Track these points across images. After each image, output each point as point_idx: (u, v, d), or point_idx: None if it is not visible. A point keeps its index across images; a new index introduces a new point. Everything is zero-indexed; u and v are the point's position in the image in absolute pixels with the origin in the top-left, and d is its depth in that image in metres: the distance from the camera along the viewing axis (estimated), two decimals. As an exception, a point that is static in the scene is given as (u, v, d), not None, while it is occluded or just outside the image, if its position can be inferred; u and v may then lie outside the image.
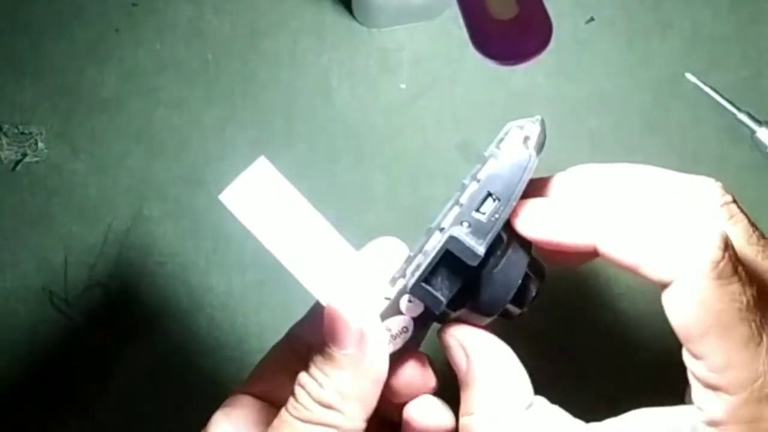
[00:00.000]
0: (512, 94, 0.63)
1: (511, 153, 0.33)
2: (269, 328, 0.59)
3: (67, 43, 0.63)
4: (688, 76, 0.63)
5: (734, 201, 0.32)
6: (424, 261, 0.33)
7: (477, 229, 0.32)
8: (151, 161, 0.61)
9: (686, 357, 0.30)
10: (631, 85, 0.64)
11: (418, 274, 0.33)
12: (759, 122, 0.61)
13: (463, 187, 0.34)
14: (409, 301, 0.34)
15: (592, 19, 0.65)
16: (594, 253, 0.32)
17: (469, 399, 0.34)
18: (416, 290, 0.33)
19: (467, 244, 0.31)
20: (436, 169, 0.61)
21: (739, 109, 0.62)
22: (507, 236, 0.34)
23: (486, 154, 0.34)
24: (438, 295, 0.32)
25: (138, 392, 0.57)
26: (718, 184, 0.33)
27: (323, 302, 0.34)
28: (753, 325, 0.28)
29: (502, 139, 0.35)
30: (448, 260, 0.32)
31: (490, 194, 0.32)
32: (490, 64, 0.41)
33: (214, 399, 0.56)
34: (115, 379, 0.58)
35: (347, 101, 0.63)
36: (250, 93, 0.63)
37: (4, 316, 0.58)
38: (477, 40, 0.36)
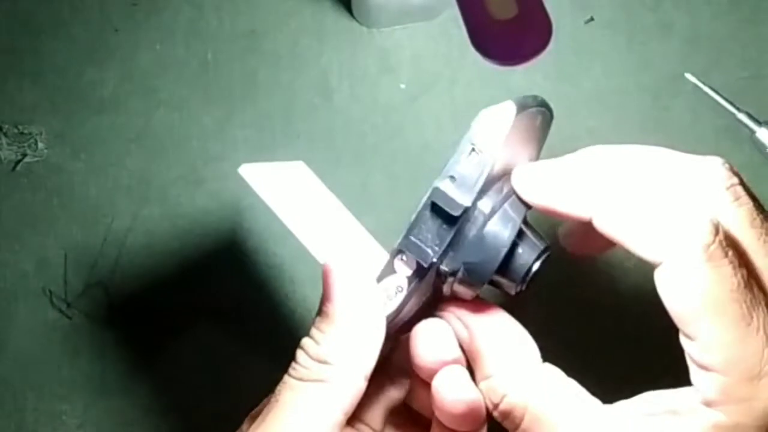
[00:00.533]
0: (512, 94, 0.63)
1: (492, 108, 0.33)
2: (269, 328, 0.59)
3: (67, 43, 0.63)
4: (688, 76, 0.63)
5: (741, 182, 0.33)
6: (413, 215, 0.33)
7: (462, 182, 0.32)
8: (151, 161, 0.61)
9: (682, 338, 0.30)
10: (631, 85, 0.64)
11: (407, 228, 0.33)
12: (759, 122, 0.61)
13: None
14: (401, 259, 0.34)
15: (591, 19, 0.65)
16: (604, 240, 0.33)
17: (482, 366, 0.34)
18: (405, 244, 0.33)
19: (450, 195, 0.32)
20: (436, 169, 0.61)
21: (738, 109, 0.62)
22: (502, 201, 0.34)
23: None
24: (425, 248, 0.33)
25: (138, 392, 0.57)
26: (726, 165, 0.33)
27: (320, 261, 0.35)
28: (744, 305, 0.29)
29: None
30: (437, 213, 0.33)
31: (473, 148, 0.33)
32: (489, 65, 0.41)
33: (214, 398, 0.56)
34: (114, 379, 0.58)
35: (347, 101, 0.63)
36: (250, 93, 0.63)
37: (4, 316, 0.58)
38: (477, 41, 0.36)
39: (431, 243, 0.33)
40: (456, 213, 0.32)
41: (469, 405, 0.34)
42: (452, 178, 0.33)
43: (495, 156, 0.32)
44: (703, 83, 0.63)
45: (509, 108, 0.33)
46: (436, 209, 0.33)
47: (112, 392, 0.57)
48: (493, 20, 0.36)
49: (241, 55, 0.63)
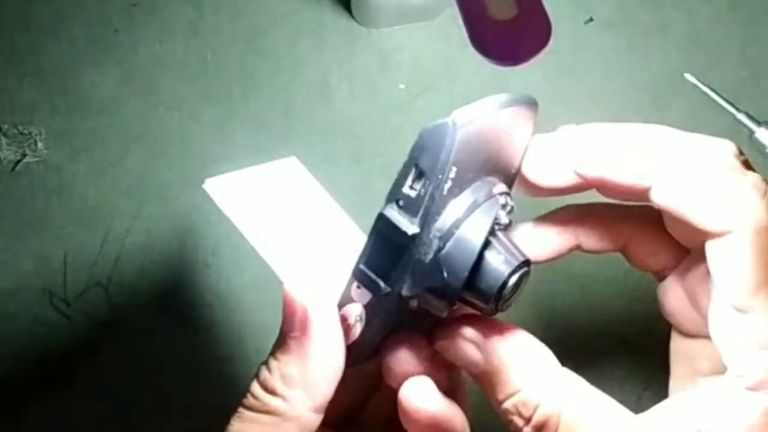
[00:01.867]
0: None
1: (434, 124, 0.31)
2: (269, 328, 0.59)
3: (67, 43, 0.63)
4: (687, 76, 0.63)
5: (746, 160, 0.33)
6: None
7: (408, 207, 0.30)
8: (151, 161, 0.61)
9: (723, 320, 0.30)
10: (630, 85, 0.64)
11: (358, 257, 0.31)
12: (758, 122, 0.61)
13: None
14: (357, 287, 0.32)
15: (591, 19, 0.65)
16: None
17: (507, 382, 0.32)
18: (356, 273, 0.31)
19: (395, 222, 0.30)
20: (436, 169, 0.61)
21: (738, 109, 0.62)
22: (469, 211, 0.31)
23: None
24: (376, 278, 0.31)
25: (138, 392, 0.57)
26: (733, 144, 0.33)
27: (283, 283, 0.33)
28: None
29: None
30: (386, 240, 0.30)
31: (419, 168, 0.31)
32: (489, 65, 0.41)
33: (214, 398, 0.56)
34: (115, 378, 0.58)
35: (346, 101, 0.63)
36: (250, 93, 0.63)
37: (4, 316, 0.58)
38: (476, 41, 0.36)
39: (382, 272, 0.31)
40: (403, 241, 0.30)
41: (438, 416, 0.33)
42: (398, 202, 0.30)
43: (442, 178, 0.30)
44: (703, 83, 0.63)
45: (451, 125, 0.31)
46: (384, 235, 0.30)
47: (112, 391, 0.57)
48: (493, 20, 0.35)
49: (240, 55, 0.64)
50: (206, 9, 0.64)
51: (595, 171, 0.32)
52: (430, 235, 0.31)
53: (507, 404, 0.32)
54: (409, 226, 0.30)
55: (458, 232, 0.31)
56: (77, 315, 0.58)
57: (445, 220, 0.31)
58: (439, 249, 0.31)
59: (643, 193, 0.31)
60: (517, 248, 0.32)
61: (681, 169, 0.31)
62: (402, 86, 0.63)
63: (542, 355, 0.33)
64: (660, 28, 0.65)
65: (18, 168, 0.61)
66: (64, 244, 0.60)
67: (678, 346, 0.35)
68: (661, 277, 0.36)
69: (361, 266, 0.31)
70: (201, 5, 0.64)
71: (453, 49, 0.64)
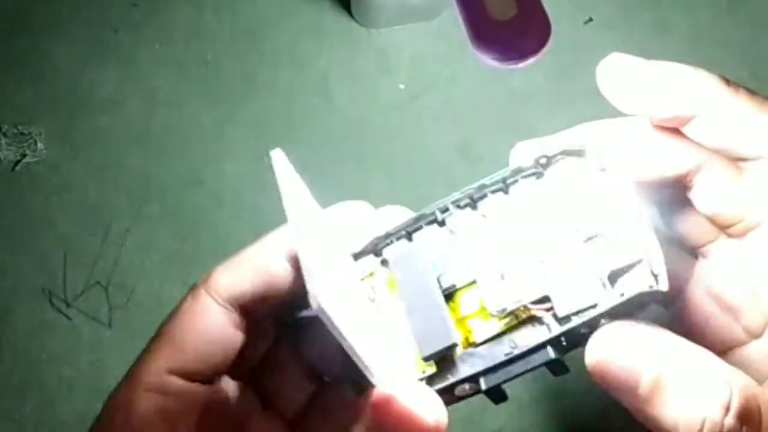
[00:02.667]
0: (511, 95, 0.63)
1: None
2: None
3: (67, 43, 0.63)
4: (687, 76, 0.64)
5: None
6: (507, 371, 0.29)
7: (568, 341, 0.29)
8: (151, 161, 0.61)
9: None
10: (630, 85, 0.64)
11: (498, 378, 0.29)
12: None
13: (482, 189, 0.31)
14: (469, 388, 0.30)
15: (590, 19, 0.65)
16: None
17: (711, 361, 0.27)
18: (491, 387, 0.29)
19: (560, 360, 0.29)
20: (436, 169, 0.62)
21: (737, 109, 0.62)
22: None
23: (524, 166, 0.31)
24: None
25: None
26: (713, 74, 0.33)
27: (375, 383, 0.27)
28: None
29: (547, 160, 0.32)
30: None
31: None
32: (488, 65, 0.41)
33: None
34: (115, 379, 0.58)
35: (346, 101, 0.63)
36: (250, 93, 0.63)
37: (3, 316, 0.58)
38: (476, 41, 0.36)
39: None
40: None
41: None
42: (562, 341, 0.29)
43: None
44: (703, 83, 0.63)
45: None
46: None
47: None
48: (493, 20, 0.35)
49: (240, 55, 0.64)
50: (206, 9, 0.64)
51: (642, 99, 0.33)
52: None
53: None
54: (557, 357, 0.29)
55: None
56: (77, 315, 0.58)
57: None
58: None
59: (686, 122, 0.31)
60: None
61: (725, 98, 0.31)
62: (402, 86, 0.63)
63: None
64: (660, 28, 0.65)
65: (18, 168, 0.61)
66: (63, 244, 0.60)
67: None
68: (668, 301, 0.33)
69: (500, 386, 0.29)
70: (201, 5, 0.64)
71: (453, 49, 0.64)
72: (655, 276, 0.28)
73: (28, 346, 0.58)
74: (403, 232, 0.32)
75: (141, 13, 0.64)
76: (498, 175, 0.31)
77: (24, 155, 0.61)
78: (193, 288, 0.32)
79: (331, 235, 0.32)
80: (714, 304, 0.32)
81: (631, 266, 0.29)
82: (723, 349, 0.31)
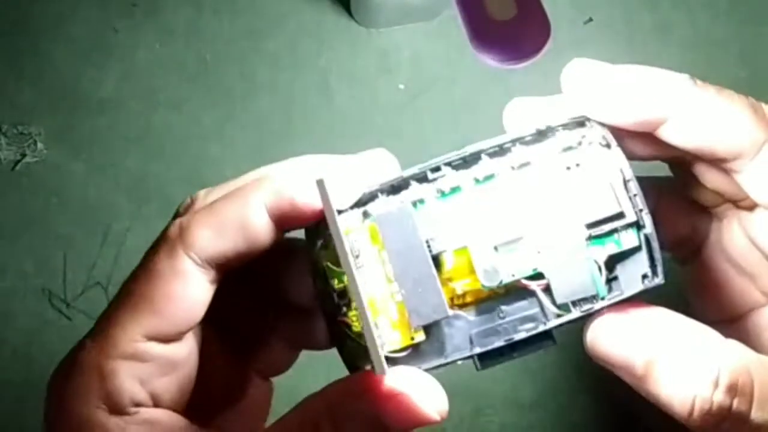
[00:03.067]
0: (511, 95, 0.63)
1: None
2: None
3: (67, 43, 0.63)
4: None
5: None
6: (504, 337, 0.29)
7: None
8: (150, 162, 0.61)
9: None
10: (630, 85, 0.64)
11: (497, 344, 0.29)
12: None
13: (478, 152, 0.31)
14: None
15: (590, 19, 0.65)
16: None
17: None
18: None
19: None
20: (435, 169, 0.62)
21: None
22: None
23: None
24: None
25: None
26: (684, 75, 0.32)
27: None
28: None
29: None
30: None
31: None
32: (488, 65, 0.41)
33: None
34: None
35: (346, 102, 0.63)
36: (249, 93, 0.63)
37: (3, 316, 0.58)
38: (475, 41, 0.36)
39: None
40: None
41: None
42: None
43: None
44: (702, 83, 0.63)
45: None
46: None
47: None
48: (492, 20, 0.35)
49: (240, 55, 0.64)
50: (206, 9, 0.64)
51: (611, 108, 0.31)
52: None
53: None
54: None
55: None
56: (77, 315, 0.58)
57: None
58: None
59: (656, 127, 0.30)
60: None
61: (695, 104, 0.30)
62: (401, 86, 0.63)
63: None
64: (659, 28, 0.65)
65: (18, 168, 0.61)
66: (63, 245, 0.60)
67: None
68: (688, 256, 0.34)
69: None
70: (201, 5, 0.64)
71: (452, 49, 0.64)
72: (653, 267, 0.28)
73: (28, 346, 0.58)
74: (390, 187, 0.31)
75: (141, 13, 0.64)
76: (496, 140, 0.31)
77: (24, 155, 0.61)
78: (165, 240, 0.30)
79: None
80: (731, 267, 0.32)
81: (628, 253, 0.28)
82: (741, 312, 0.32)
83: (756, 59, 0.65)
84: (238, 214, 0.29)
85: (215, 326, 0.32)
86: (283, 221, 0.29)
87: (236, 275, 0.31)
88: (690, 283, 0.34)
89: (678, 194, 0.34)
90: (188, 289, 0.29)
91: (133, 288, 0.30)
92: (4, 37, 0.63)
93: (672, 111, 0.30)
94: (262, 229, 0.29)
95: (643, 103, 0.30)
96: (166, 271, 0.30)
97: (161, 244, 0.30)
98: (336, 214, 0.28)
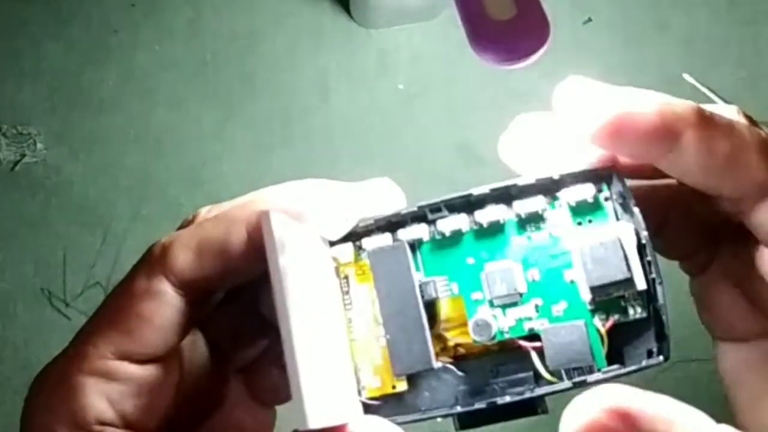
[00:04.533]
0: (510, 95, 0.63)
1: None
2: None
3: (66, 43, 0.63)
4: (686, 76, 0.64)
5: None
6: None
7: None
8: (150, 162, 0.61)
9: None
10: (629, 85, 0.64)
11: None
12: (756, 123, 0.61)
13: (482, 196, 0.28)
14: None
15: (589, 19, 0.65)
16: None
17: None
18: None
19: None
20: (435, 169, 0.62)
21: (736, 109, 0.62)
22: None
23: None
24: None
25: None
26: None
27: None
28: None
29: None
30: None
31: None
32: (487, 65, 0.41)
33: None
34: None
35: (345, 102, 0.63)
36: (249, 93, 0.63)
37: (3, 316, 0.58)
38: (474, 41, 0.36)
39: None
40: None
41: None
42: None
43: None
44: (701, 83, 0.63)
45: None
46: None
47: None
48: (491, 20, 0.35)
49: (239, 55, 0.64)
50: (205, 10, 0.64)
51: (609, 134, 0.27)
52: None
53: None
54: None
55: None
56: (76, 315, 0.58)
57: None
58: None
59: (655, 159, 0.27)
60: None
61: (698, 137, 0.26)
62: (401, 86, 0.63)
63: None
64: (659, 28, 0.65)
65: (17, 168, 0.61)
66: (63, 245, 0.60)
67: (732, 358, 0.31)
68: (696, 270, 0.32)
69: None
70: (200, 6, 0.64)
71: (451, 49, 0.64)
72: (660, 344, 0.26)
73: (27, 346, 0.58)
74: (387, 223, 0.30)
75: (140, 14, 0.64)
76: (503, 184, 0.28)
77: (23, 155, 0.61)
78: (147, 259, 0.30)
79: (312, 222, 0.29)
80: (739, 293, 0.30)
81: (635, 323, 0.26)
82: (747, 337, 0.30)
83: (755, 59, 0.65)
84: (219, 238, 0.28)
85: (213, 346, 0.32)
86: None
87: (237, 293, 0.30)
88: (697, 297, 0.32)
89: (687, 206, 0.32)
90: (162, 311, 0.28)
91: (109, 304, 0.29)
92: (4, 37, 0.63)
93: (675, 145, 0.27)
94: (243, 254, 0.28)
95: (644, 134, 0.27)
96: (142, 290, 0.29)
97: (143, 262, 0.29)
98: (276, 250, 0.26)
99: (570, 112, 0.27)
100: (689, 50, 0.65)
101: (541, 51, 0.39)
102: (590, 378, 0.26)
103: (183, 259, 0.29)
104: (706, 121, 0.27)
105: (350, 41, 0.64)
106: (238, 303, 0.31)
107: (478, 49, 0.38)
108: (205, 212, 0.31)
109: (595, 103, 0.27)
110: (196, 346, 0.30)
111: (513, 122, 0.29)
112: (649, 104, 0.27)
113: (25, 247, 0.60)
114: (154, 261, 0.29)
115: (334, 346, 0.27)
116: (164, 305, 0.28)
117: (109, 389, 0.28)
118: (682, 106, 0.27)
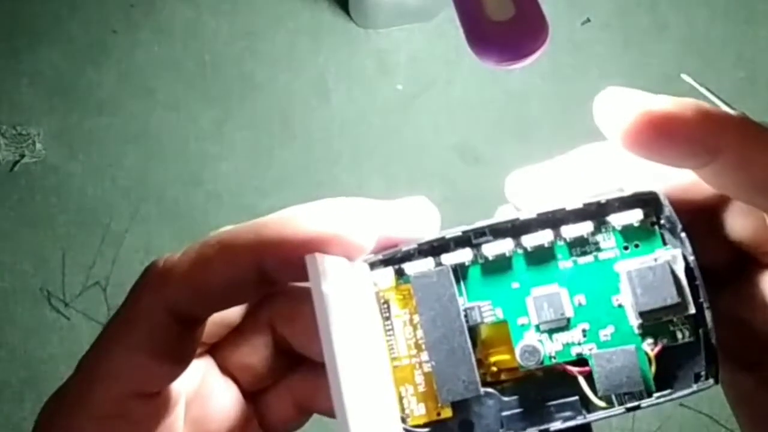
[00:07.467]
0: (509, 95, 0.63)
1: None
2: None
3: (66, 44, 0.63)
4: (684, 76, 0.64)
5: None
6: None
7: None
8: (149, 162, 0.62)
9: None
10: (627, 85, 0.64)
11: None
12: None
13: (529, 221, 0.27)
14: None
15: (588, 20, 0.65)
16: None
17: None
18: None
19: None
20: (434, 169, 0.62)
21: (734, 109, 0.62)
22: None
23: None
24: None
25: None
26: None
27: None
28: None
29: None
30: None
31: None
32: (486, 65, 0.41)
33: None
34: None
35: (344, 102, 0.63)
36: (248, 94, 0.63)
37: (3, 316, 0.59)
38: (473, 41, 0.36)
39: None
40: None
41: None
42: None
43: None
44: (699, 84, 0.63)
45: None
46: None
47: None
48: (490, 21, 0.35)
49: (238, 56, 0.64)
50: (204, 10, 0.64)
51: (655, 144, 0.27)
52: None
53: None
54: None
55: None
56: (76, 315, 0.59)
57: None
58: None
59: (696, 167, 0.27)
60: None
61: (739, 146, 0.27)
62: (400, 87, 0.63)
63: None
64: (657, 29, 0.65)
65: (16, 168, 0.61)
66: (62, 245, 0.60)
67: (744, 385, 0.29)
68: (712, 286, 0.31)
69: None
70: (199, 6, 0.64)
71: (450, 49, 0.64)
72: (709, 367, 0.26)
73: (27, 346, 0.58)
74: (429, 247, 0.30)
75: (139, 14, 0.64)
76: (549, 208, 0.28)
77: (22, 156, 0.61)
78: (148, 284, 0.28)
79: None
80: (755, 318, 0.29)
81: (682, 347, 0.27)
82: (760, 361, 0.29)
83: (754, 60, 0.65)
84: (223, 276, 0.27)
85: (223, 371, 0.31)
86: (279, 276, 0.27)
87: (254, 318, 0.30)
88: (729, 307, 0.31)
89: (710, 218, 0.30)
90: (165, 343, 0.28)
91: (112, 331, 0.28)
92: (4, 37, 0.63)
93: (718, 153, 0.26)
94: (250, 290, 0.27)
95: (684, 140, 0.26)
96: (142, 317, 0.28)
97: (144, 286, 0.28)
98: (324, 298, 0.25)
99: (610, 116, 0.27)
100: (687, 51, 0.65)
101: (540, 51, 0.39)
102: (643, 403, 0.26)
103: (183, 296, 0.27)
104: (748, 138, 0.25)
105: (349, 42, 0.64)
106: (257, 332, 0.30)
107: (477, 49, 0.38)
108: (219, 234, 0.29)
109: (635, 105, 0.26)
110: (212, 388, 0.29)
111: (518, 174, 0.28)
112: (690, 110, 0.26)
113: (24, 247, 0.60)
114: (155, 288, 0.27)
115: (376, 373, 0.27)
116: (167, 337, 0.27)
117: (125, 428, 0.27)
118: (724, 117, 0.26)
